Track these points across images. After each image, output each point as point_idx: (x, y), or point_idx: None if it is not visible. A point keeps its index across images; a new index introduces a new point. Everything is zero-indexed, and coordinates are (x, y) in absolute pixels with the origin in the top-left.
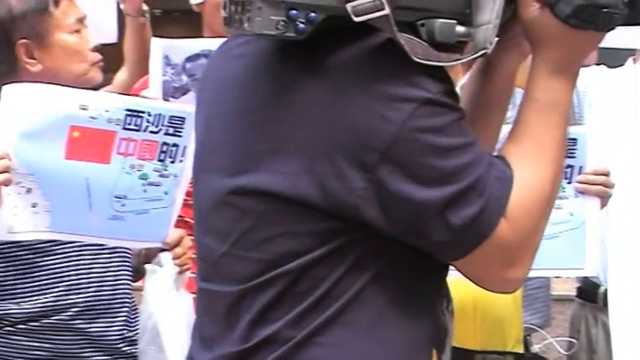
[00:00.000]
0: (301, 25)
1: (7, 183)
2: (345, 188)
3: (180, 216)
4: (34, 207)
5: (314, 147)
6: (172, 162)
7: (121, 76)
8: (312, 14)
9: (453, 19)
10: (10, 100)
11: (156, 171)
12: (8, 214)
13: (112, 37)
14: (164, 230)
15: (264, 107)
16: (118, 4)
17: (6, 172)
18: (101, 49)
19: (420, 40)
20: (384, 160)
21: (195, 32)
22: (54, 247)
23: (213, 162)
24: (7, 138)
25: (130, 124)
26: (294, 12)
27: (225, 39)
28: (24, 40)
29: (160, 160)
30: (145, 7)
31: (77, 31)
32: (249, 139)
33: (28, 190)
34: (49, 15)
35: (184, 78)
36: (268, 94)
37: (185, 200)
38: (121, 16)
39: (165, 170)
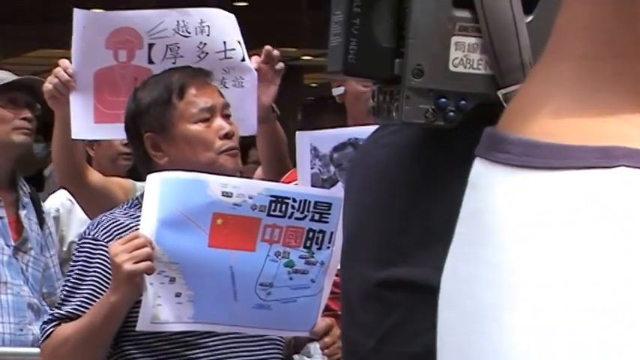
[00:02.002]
0: (451, 113)
1: (149, 271)
2: None
3: (332, 309)
4: (177, 297)
5: None
6: (319, 249)
7: (257, 175)
8: (462, 102)
9: None
10: (153, 188)
11: (302, 258)
12: (152, 304)
13: (252, 129)
14: (312, 319)
15: (412, 197)
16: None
17: (148, 259)
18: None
19: None
20: None
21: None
22: (198, 340)
23: (360, 252)
24: (149, 226)
25: (274, 210)
26: (444, 100)
27: (370, 126)
28: (149, 133)
29: (306, 247)
30: (274, 104)
31: (205, 120)
32: (397, 229)
33: (172, 280)
34: (172, 107)
35: (332, 169)
36: (415, 184)
37: (336, 293)
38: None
39: (312, 257)
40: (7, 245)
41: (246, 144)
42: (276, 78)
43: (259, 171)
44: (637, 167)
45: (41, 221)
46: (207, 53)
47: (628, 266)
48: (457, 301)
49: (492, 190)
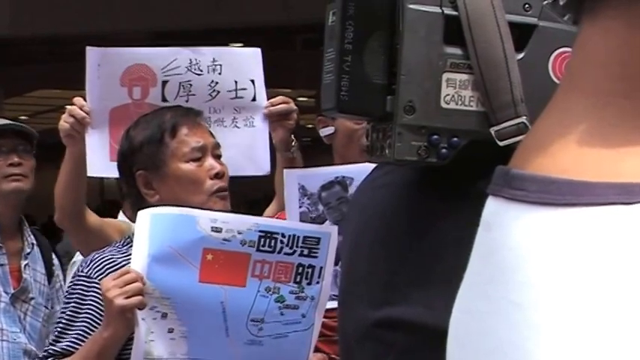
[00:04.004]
0: (443, 150)
1: (141, 306)
2: None
3: (325, 352)
4: (170, 332)
5: (457, 278)
6: (309, 284)
7: (271, 209)
8: (455, 139)
9: None
10: (143, 224)
11: (292, 293)
12: (144, 339)
13: (264, 169)
14: (303, 354)
15: (407, 237)
16: (271, 137)
17: (140, 295)
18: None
19: None
20: None
21: None
22: None
23: (357, 293)
24: (140, 261)
25: (263, 245)
26: (436, 137)
27: (358, 165)
28: (141, 171)
29: (296, 282)
30: (294, 143)
31: (196, 160)
32: (393, 269)
33: (164, 315)
34: (164, 145)
35: (320, 207)
36: (411, 224)
37: (327, 336)
38: (273, 149)
39: (302, 292)
40: (6, 292)
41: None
42: (285, 120)
43: (270, 208)
44: None
45: (50, 274)
46: (218, 92)
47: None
48: (473, 340)
49: (509, 228)
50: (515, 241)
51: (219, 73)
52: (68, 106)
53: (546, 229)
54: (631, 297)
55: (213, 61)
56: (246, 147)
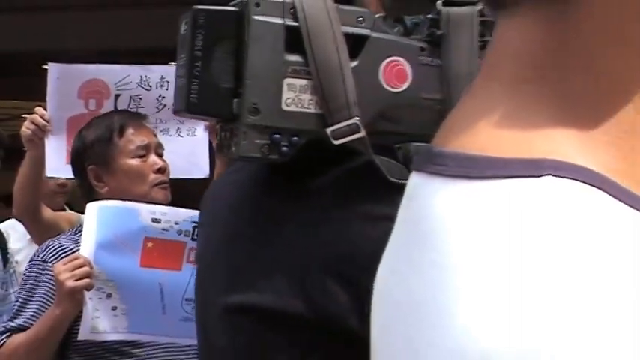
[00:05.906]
0: (284, 148)
1: (89, 287)
2: (333, 303)
3: None
4: (113, 310)
5: (301, 266)
6: None
7: None
8: (295, 138)
9: (427, 142)
10: (91, 215)
11: None
12: (91, 316)
13: (204, 172)
14: None
15: (253, 231)
16: (210, 142)
17: (88, 277)
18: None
19: (396, 162)
20: (366, 274)
21: None
22: (132, 350)
23: (209, 281)
24: (88, 248)
25: (197, 235)
26: (277, 136)
27: None
28: (92, 166)
29: None
30: None
31: (142, 156)
32: (240, 261)
33: (108, 295)
34: (113, 143)
35: None
36: (256, 219)
37: None
38: (213, 153)
39: None
40: None
41: None
42: None
43: None
44: (562, 177)
45: (5, 260)
46: (164, 105)
47: (545, 263)
48: (396, 296)
49: (430, 199)
50: (436, 211)
51: (167, 89)
52: (29, 115)
53: (463, 199)
54: (535, 261)
55: (162, 78)
56: (188, 153)
